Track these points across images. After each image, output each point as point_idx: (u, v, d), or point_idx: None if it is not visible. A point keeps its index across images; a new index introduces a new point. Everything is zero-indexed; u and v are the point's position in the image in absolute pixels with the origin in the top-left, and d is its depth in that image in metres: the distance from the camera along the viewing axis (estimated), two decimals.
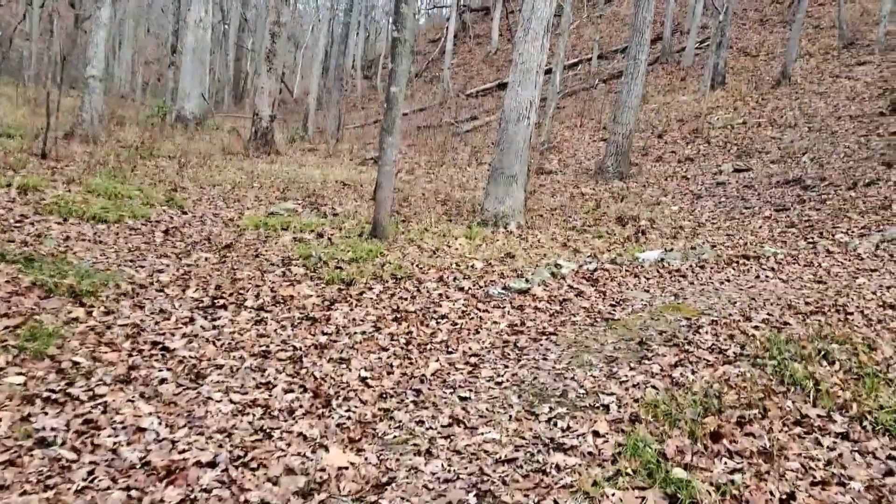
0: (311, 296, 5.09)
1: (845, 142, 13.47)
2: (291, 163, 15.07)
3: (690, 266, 7.20)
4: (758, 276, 7.12)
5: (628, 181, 13.69)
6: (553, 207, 11.34)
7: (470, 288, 5.55)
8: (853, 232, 9.00)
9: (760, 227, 10.01)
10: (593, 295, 5.69)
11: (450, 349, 4.21)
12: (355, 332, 4.37)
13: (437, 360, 4.01)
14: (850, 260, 7.75)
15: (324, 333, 4.36)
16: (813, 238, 9.09)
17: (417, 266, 6.07)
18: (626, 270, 6.66)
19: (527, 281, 5.70)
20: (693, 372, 3.88)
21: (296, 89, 39.51)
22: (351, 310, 4.84)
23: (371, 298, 5.10)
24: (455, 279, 5.75)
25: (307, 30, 42.97)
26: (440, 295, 5.30)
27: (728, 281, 6.87)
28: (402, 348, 4.18)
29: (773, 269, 7.47)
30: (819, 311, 5.66)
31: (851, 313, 5.62)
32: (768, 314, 5.47)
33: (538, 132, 17.55)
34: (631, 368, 4.01)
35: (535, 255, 7.17)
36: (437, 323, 4.66)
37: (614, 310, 5.33)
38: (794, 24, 18.42)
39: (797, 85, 17.97)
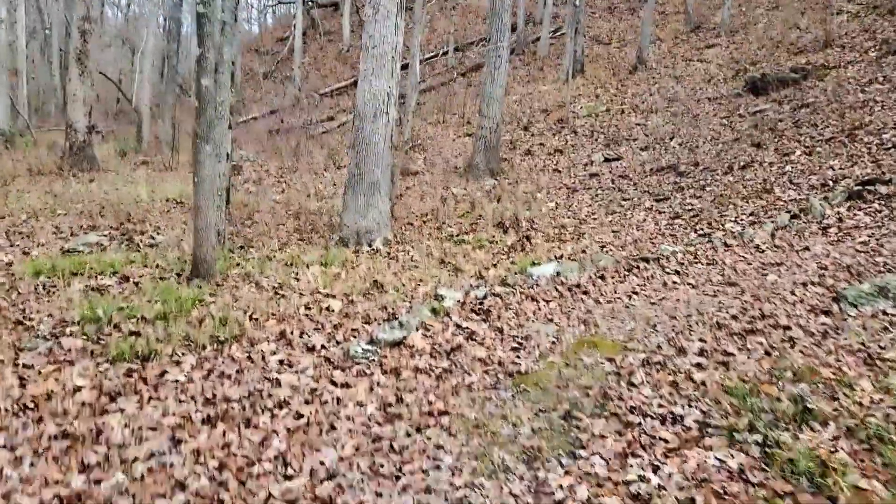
0: (83, 388, 3.35)
1: (709, 125, 13.11)
2: (117, 180, 12.69)
3: (590, 278, 6.06)
4: (665, 284, 6.09)
5: (500, 178, 12.60)
6: (424, 213, 9.97)
7: (323, 346, 4.01)
8: (742, 220, 8.31)
9: (644, 221, 9.18)
10: (488, 336, 4.34)
11: (289, 471, 2.67)
12: (136, 459, 2.73)
13: (268, 501, 2.48)
14: (751, 253, 6.96)
15: (84, 467, 2.68)
16: (703, 229, 8.31)
17: (252, 316, 4.44)
18: (521, 293, 5.37)
19: (401, 325, 4.25)
20: (655, 469, 2.60)
21: (134, 97, 35.77)
22: (140, 409, 3.16)
23: (175, 383, 3.44)
24: (303, 333, 4.19)
25: (143, 30, 39.12)
26: (280, 362, 3.74)
27: (635, 294, 5.78)
28: (210, 481, 2.60)
29: (677, 272, 6.50)
30: (753, 328, 4.64)
31: (789, 328, 4.65)
32: (701, 341, 4.36)
33: (400, 130, 16.17)
34: (564, 470, 2.68)
35: (409, 281, 5.74)
36: (273, 418, 3.09)
37: (518, 357, 4.01)
38: (646, 9, 18.20)
39: (653, 70, 17.74)
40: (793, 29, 16.59)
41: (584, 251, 7.61)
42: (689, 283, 6.07)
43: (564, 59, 19.54)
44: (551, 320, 4.78)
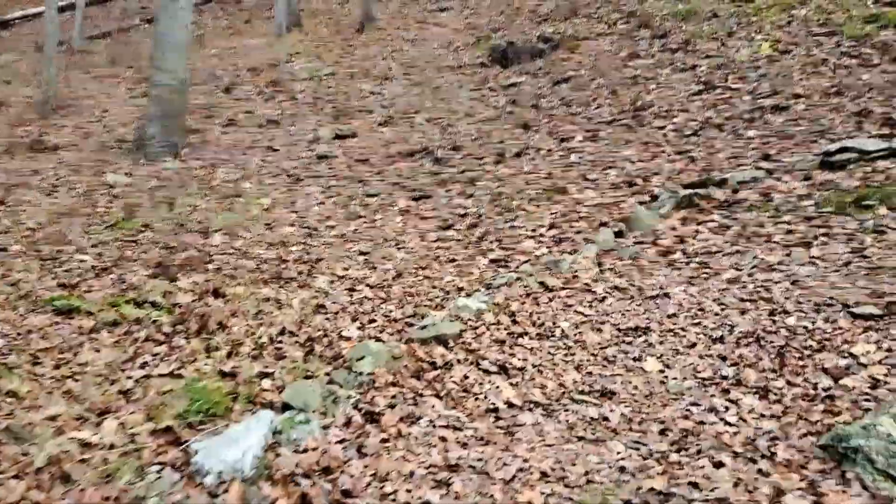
0: None
1: (458, 98, 10.55)
2: None
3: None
4: (496, 422, 3.08)
5: (186, 158, 8.57)
6: (43, 226, 5.75)
7: None
8: (544, 237, 5.68)
9: (404, 234, 6.12)
10: None
11: None
12: None
13: None
14: (589, 304, 4.30)
15: None
16: (494, 251, 5.52)
17: None
18: None
19: None
20: None
21: None
22: None
23: None
24: None
25: None
26: None
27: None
28: None
29: (503, 368, 3.54)
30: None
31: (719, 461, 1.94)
32: None
33: (42, 90, 11.10)
34: None
35: None
36: None
37: None
38: None
39: (383, 30, 14.79)
40: None
41: (323, 331, 4.24)
42: (530, 406, 3.13)
43: (276, 9, 15.70)
44: None
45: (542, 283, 4.58)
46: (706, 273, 4.61)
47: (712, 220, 5.29)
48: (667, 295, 4.33)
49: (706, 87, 8.21)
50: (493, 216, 6.33)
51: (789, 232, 4.91)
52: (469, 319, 3.98)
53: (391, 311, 4.30)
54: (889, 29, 7.98)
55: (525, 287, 4.51)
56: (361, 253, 5.61)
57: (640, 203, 5.91)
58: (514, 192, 6.79)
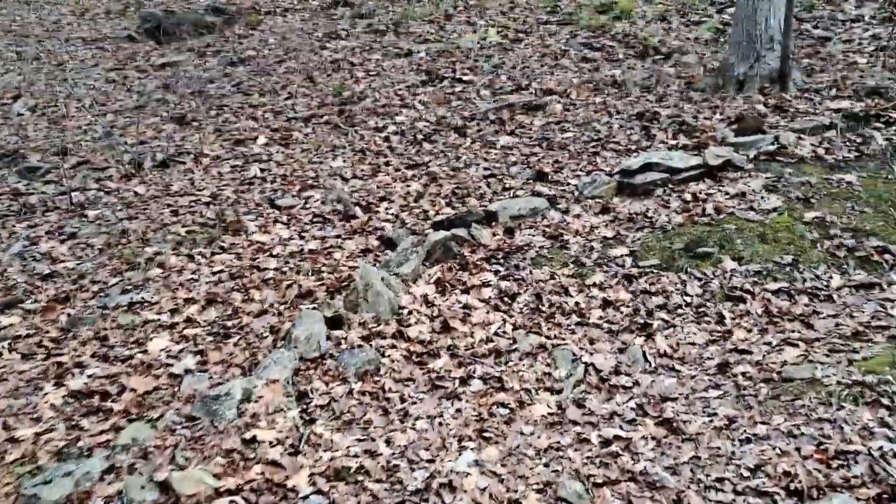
0: None
1: (88, 79, 7.15)
2: None
3: None
4: None
5: None
6: None
7: None
8: (188, 333, 3.01)
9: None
10: None
11: None
12: None
13: None
14: None
15: None
16: (85, 384, 2.68)
17: None
18: None
19: None
20: None
21: None
22: None
23: None
24: None
25: None
26: None
27: None
28: None
29: None
30: None
31: None
32: None
33: None
34: None
35: None
36: None
37: None
38: None
39: None
40: None
41: None
42: None
43: None
44: None
45: (161, 486, 1.93)
46: (497, 406, 2.41)
47: (487, 285, 3.12)
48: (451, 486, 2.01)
49: (430, 78, 6.19)
50: (104, 278, 3.42)
51: (608, 304, 2.96)
52: None
53: None
54: (623, 21, 6.83)
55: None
56: None
57: (366, 252, 3.54)
58: (149, 226, 3.92)
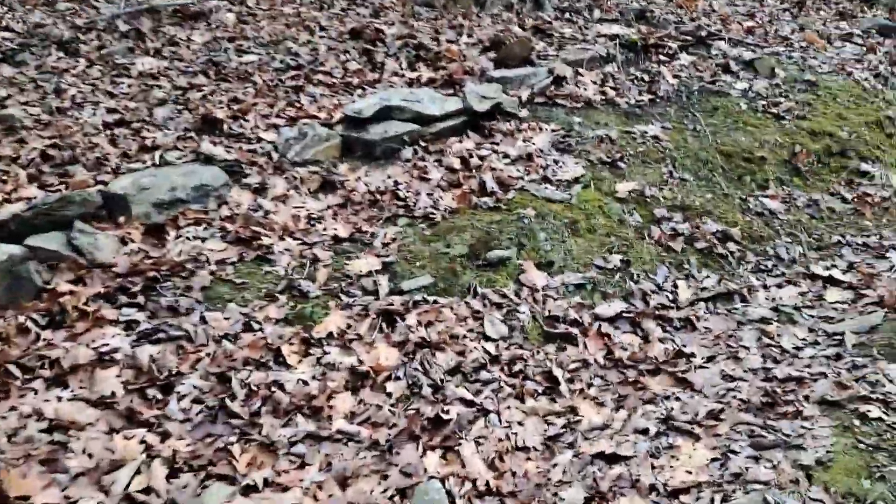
0: None
1: None
2: None
3: None
4: None
5: None
6: None
7: None
8: None
9: None
10: None
11: None
12: None
13: None
14: None
15: None
16: None
17: None
18: None
19: None
20: None
21: None
22: None
23: None
24: None
25: None
26: None
27: None
28: None
29: None
30: None
31: None
32: None
33: None
34: None
35: None
36: None
37: None
38: None
39: None
40: None
41: None
42: None
43: None
44: None
45: None
46: None
47: (110, 360, 1.46)
48: None
49: None
50: None
51: (361, 383, 1.55)
52: None
53: None
54: None
55: None
56: None
57: None
58: None
